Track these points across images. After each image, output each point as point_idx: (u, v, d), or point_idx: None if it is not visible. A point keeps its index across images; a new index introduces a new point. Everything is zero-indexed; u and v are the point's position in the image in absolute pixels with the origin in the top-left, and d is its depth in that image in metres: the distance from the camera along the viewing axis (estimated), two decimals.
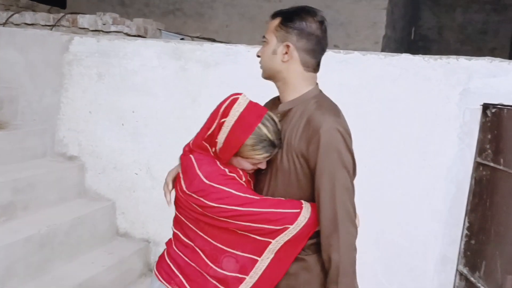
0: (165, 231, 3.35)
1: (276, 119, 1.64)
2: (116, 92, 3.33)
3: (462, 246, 2.82)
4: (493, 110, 2.66)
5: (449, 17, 10.58)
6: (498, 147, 2.61)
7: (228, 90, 3.11)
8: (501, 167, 2.57)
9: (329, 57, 2.96)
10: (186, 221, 1.66)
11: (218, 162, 1.63)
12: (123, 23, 4.82)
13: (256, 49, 3.03)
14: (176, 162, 3.20)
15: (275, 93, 2.96)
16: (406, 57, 2.77)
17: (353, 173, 1.57)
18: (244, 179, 1.68)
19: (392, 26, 7.32)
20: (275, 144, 1.59)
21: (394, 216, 2.83)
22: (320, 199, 1.53)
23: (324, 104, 1.61)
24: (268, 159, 1.63)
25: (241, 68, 3.05)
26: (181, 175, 1.66)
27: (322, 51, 1.66)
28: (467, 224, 2.81)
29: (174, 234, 1.74)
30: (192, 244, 1.66)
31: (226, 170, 1.62)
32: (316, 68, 1.67)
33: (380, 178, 2.84)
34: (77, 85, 3.40)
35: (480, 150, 2.73)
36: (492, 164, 2.66)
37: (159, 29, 5.38)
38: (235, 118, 1.58)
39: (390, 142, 2.81)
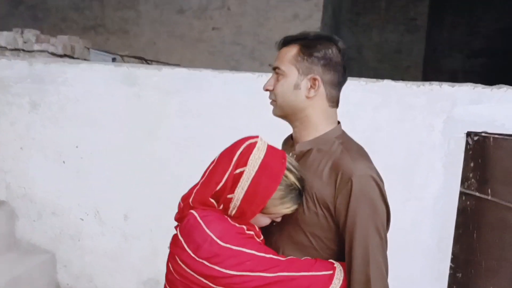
0: (118, 283, 2.89)
1: (296, 162, 1.38)
2: (54, 124, 2.83)
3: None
4: (476, 138, 2.58)
5: (367, 36, 10.97)
6: (484, 176, 2.53)
7: (192, 120, 2.78)
8: (489, 198, 2.48)
9: None
10: None
11: (228, 218, 1.32)
12: (48, 41, 4.25)
13: (225, 75, 2.73)
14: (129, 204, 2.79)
15: (247, 122, 2.69)
16: (387, 84, 2.61)
17: (387, 225, 1.36)
18: (261, 237, 1.39)
19: None
20: (302, 193, 1.33)
21: None
22: (352, 260, 1.29)
23: (351, 147, 1.39)
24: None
25: (206, 95, 2.72)
26: (181, 239, 1.31)
27: (344, 83, 1.46)
28: (451, 256, 2.70)
29: None
30: None
31: (244, 227, 1.32)
32: (338, 103, 1.46)
33: None
34: (3, 117, 2.84)
35: (463, 179, 2.64)
36: (477, 194, 2.57)
37: (87, 48, 4.85)
38: (257, 167, 1.29)
39: None
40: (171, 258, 1.35)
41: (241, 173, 1.29)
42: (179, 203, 1.42)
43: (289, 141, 1.52)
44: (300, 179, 1.32)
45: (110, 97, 2.78)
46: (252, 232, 1.33)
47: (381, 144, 2.61)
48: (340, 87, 1.44)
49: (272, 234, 1.43)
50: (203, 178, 1.37)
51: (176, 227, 1.39)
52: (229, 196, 1.30)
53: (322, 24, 6.96)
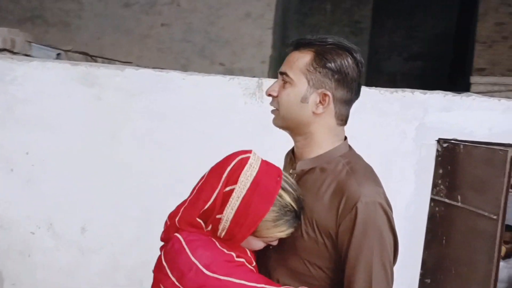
0: None
1: (293, 181, 1.26)
2: (1, 127, 2.54)
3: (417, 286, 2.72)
4: (445, 145, 2.60)
5: None
6: (454, 183, 2.56)
7: (158, 124, 2.60)
8: (459, 204, 2.51)
9: None
10: None
11: (217, 243, 1.21)
12: None
13: (194, 77, 2.58)
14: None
15: (217, 127, 2.56)
16: (362, 89, 2.57)
17: (394, 258, 1.23)
18: (254, 263, 1.28)
19: (275, 45, 7.32)
20: (299, 215, 1.22)
21: None
22: None
23: (358, 167, 1.25)
24: None
25: (174, 98, 2.55)
26: (164, 265, 1.19)
27: (357, 99, 1.32)
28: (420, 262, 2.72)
29: None
30: None
31: (233, 254, 1.20)
32: (347, 120, 1.33)
33: None
34: None
35: (432, 186, 2.66)
36: (446, 200, 2.59)
37: (29, 41, 4.48)
38: (248, 185, 1.18)
39: None
40: (155, 284, 1.22)
41: (231, 191, 1.18)
42: (166, 221, 1.29)
43: (290, 156, 1.39)
44: (298, 200, 1.21)
45: (66, 98, 2.54)
46: (242, 259, 1.22)
47: (356, 151, 2.57)
48: (352, 104, 1.30)
49: (268, 258, 1.31)
50: (191, 196, 1.24)
51: (161, 248, 1.26)
52: (217, 216, 1.18)
53: (274, 23, 6.91)
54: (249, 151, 1.24)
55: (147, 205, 2.59)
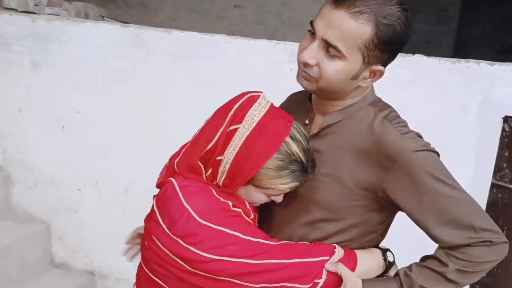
0: (115, 261, 2.72)
1: (306, 133, 1.14)
2: (55, 86, 2.64)
3: None
4: None
5: None
6: None
7: (202, 88, 2.56)
8: None
9: None
10: (163, 284, 1.11)
11: (213, 191, 1.11)
12: (60, 5, 4.07)
13: (239, 41, 2.50)
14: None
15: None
16: (419, 58, 2.36)
17: None
18: (252, 216, 1.17)
19: None
20: (307, 170, 1.09)
21: (403, 245, 2.40)
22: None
23: (392, 116, 1.13)
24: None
25: (219, 63, 2.50)
26: (156, 211, 1.11)
27: None
28: None
29: None
30: None
31: (229, 202, 1.10)
32: None
33: None
34: (3, 76, 2.67)
35: (496, 170, 2.38)
36: (511, 186, 2.31)
37: (102, 16, 4.66)
38: (253, 124, 1.07)
39: None
40: (145, 233, 1.15)
41: (235, 130, 1.08)
42: (166, 165, 1.22)
43: (306, 106, 1.25)
44: (306, 152, 1.10)
45: (116, 60, 2.58)
46: (239, 209, 1.12)
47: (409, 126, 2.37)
48: None
49: (272, 216, 1.21)
50: (193, 137, 1.17)
51: (155, 196, 1.19)
52: (218, 158, 1.09)
53: None
54: (259, 92, 1.15)
55: None
